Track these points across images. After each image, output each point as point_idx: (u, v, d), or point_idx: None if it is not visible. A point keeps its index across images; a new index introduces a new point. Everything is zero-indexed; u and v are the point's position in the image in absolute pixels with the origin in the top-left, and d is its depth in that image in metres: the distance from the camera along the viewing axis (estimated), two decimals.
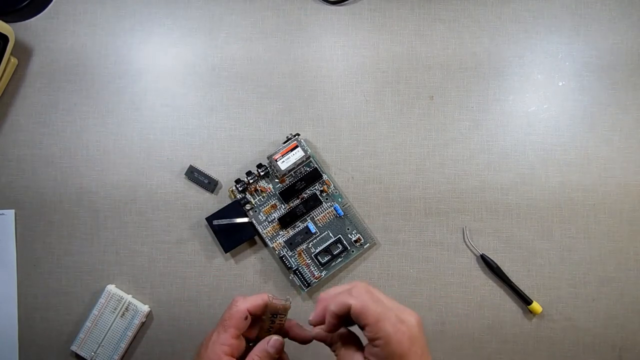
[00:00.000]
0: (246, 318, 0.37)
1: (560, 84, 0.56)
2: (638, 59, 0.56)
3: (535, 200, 0.55)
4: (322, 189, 0.54)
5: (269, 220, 0.54)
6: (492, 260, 0.54)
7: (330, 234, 0.54)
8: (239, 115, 0.56)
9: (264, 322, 0.38)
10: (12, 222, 0.54)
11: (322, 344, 0.38)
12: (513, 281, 0.54)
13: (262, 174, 0.54)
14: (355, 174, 0.55)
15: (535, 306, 0.53)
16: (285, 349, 0.37)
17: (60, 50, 0.56)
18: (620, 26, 0.56)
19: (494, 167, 0.55)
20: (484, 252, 0.54)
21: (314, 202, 0.54)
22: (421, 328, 0.35)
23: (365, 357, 0.35)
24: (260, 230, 0.54)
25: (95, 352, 0.53)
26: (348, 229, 0.54)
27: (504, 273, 0.54)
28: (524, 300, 0.53)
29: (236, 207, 0.53)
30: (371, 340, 0.34)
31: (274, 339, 0.37)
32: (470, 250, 0.54)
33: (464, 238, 0.54)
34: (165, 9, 0.57)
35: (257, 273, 0.55)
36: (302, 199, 0.54)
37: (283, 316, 0.38)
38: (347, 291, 0.36)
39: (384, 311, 0.34)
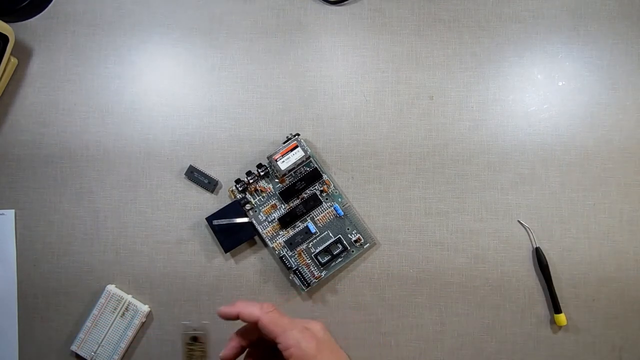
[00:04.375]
0: None
1: (560, 84, 0.56)
2: (638, 59, 0.56)
3: (535, 200, 0.55)
4: (322, 189, 0.54)
5: (269, 220, 0.54)
6: (544, 256, 0.53)
7: (330, 234, 0.54)
8: (239, 115, 0.56)
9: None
10: (12, 222, 0.54)
11: None
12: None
13: (262, 174, 0.54)
14: (355, 174, 0.55)
15: (562, 317, 0.53)
16: None
17: (60, 50, 0.56)
18: (620, 26, 0.56)
19: (494, 167, 0.55)
20: (539, 246, 0.54)
21: (314, 202, 0.54)
22: (326, 332, 0.41)
23: None
24: (260, 230, 0.54)
25: (95, 352, 0.53)
26: (348, 229, 0.54)
27: (550, 275, 0.53)
28: (555, 307, 0.53)
29: (236, 207, 0.53)
30: (283, 350, 0.38)
31: None
32: (531, 241, 0.54)
33: (525, 228, 0.54)
34: (165, 9, 0.57)
35: (257, 273, 0.55)
36: (302, 199, 0.54)
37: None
38: (255, 307, 0.40)
39: (290, 322, 0.39)
